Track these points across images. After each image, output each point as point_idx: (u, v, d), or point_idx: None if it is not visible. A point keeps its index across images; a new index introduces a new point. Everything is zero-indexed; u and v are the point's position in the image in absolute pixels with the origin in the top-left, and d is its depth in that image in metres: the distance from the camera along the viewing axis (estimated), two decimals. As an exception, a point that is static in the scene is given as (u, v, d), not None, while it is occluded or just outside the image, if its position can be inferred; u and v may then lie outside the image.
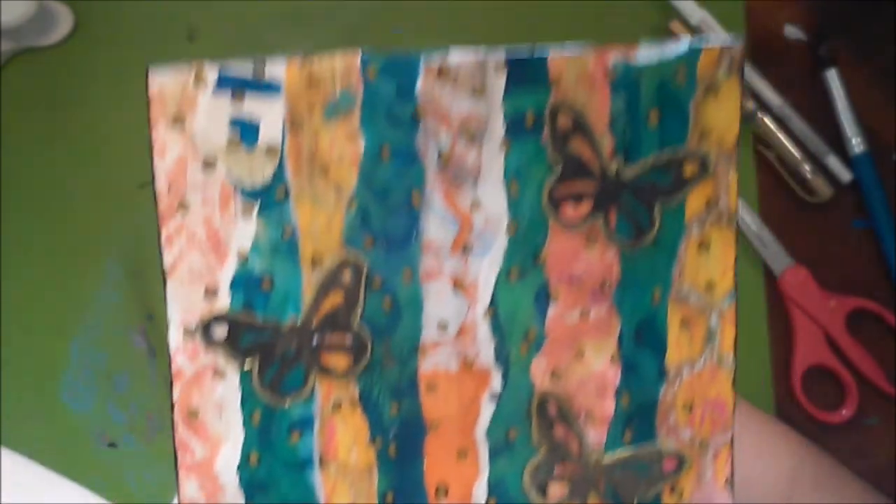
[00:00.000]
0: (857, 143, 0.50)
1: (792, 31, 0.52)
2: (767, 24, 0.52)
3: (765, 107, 0.50)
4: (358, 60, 0.17)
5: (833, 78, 0.50)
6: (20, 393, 0.50)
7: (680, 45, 0.18)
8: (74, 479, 0.49)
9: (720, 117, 0.17)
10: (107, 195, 0.51)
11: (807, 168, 0.50)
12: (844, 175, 0.50)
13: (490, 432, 0.17)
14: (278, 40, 0.52)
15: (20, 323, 0.50)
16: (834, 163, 0.50)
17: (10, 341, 0.50)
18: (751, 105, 0.50)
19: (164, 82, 0.17)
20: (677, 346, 0.18)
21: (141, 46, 0.51)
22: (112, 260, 0.50)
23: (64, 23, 0.51)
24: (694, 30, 0.50)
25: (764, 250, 0.50)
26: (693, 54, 0.17)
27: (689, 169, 0.17)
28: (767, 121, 0.50)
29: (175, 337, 0.17)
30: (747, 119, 0.50)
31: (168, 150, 0.16)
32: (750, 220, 0.49)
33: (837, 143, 0.50)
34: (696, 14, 0.50)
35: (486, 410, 0.17)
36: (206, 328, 0.17)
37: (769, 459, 0.38)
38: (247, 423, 0.16)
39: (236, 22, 0.52)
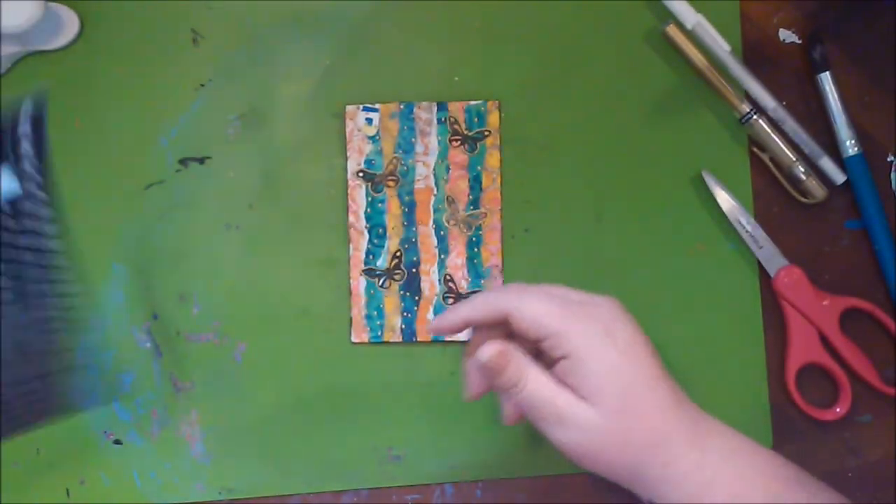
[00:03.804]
0: (850, 145, 0.50)
1: (786, 35, 0.53)
2: (762, 27, 0.52)
3: (759, 109, 0.51)
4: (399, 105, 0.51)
5: (827, 81, 0.51)
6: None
7: None
8: (79, 476, 0.50)
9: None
10: (112, 197, 0.51)
11: (801, 170, 0.50)
12: (838, 176, 0.51)
13: (434, 206, 0.51)
14: (281, 43, 0.52)
15: (27, 322, 0.51)
16: (828, 164, 0.51)
17: (17, 340, 0.51)
18: (745, 108, 0.50)
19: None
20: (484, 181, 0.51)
21: (146, 50, 0.52)
22: (117, 261, 0.51)
23: (70, 27, 0.52)
24: (689, 33, 0.51)
25: (759, 251, 0.50)
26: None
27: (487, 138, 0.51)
28: (762, 123, 0.50)
29: (351, 175, 0.51)
30: (742, 121, 0.51)
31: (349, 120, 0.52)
32: (745, 220, 0.50)
33: (831, 144, 0.51)
34: (691, 17, 0.51)
35: (432, 200, 0.51)
36: (356, 172, 0.51)
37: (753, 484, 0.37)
38: (368, 196, 0.51)
39: (239, 25, 0.52)
